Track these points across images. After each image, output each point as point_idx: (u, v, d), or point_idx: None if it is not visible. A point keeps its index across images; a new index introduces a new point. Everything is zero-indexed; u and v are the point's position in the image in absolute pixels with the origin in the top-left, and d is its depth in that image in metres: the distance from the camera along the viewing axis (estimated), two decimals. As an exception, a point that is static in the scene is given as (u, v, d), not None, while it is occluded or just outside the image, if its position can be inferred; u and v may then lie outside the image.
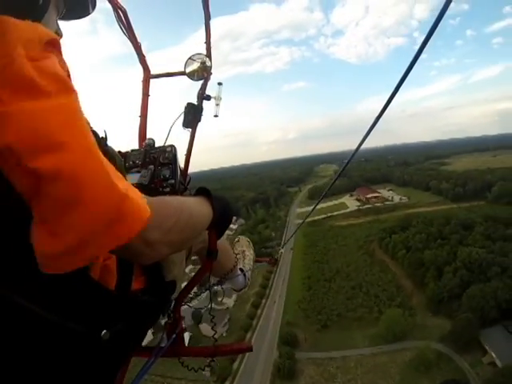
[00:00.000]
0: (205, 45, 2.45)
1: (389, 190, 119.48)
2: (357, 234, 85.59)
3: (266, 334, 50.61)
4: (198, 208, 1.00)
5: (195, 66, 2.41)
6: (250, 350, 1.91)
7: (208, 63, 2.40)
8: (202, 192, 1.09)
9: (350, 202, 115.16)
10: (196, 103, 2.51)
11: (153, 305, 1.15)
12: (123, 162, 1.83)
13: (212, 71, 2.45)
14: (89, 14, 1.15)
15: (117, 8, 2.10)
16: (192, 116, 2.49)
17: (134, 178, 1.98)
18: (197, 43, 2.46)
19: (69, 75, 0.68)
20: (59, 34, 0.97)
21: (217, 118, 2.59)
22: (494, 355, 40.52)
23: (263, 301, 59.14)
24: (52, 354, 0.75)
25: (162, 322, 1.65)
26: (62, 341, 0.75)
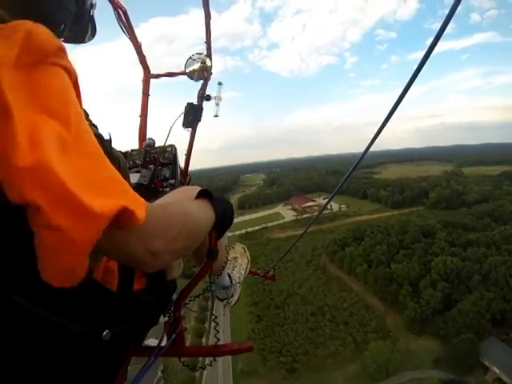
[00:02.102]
0: (205, 45, 2.53)
1: (324, 199, 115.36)
2: (301, 247, 76.53)
3: (216, 393, 38.18)
4: (200, 214, 1.04)
5: (195, 66, 2.53)
6: (251, 349, 1.92)
7: (208, 63, 2.53)
8: (204, 194, 1.14)
9: (286, 212, 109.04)
10: (196, 103, 2.65)
11: (154, 305, 1.20)
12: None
13: (212, 71, 2.59)
14: (84, 42, 1.33)
15: (117, 8, 2.19)
16: (192, 116, 2.63)
17: (134, 177, 2.13)
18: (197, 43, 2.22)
19: (77, 81, 0.73)
20: None
21: (217, 117, 2.74)
22: (497, 371, 38.41)
23: (203, 340, 45.24)
24: (53, 355, 0.78)
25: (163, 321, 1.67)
26: (63, 342, 0.78)
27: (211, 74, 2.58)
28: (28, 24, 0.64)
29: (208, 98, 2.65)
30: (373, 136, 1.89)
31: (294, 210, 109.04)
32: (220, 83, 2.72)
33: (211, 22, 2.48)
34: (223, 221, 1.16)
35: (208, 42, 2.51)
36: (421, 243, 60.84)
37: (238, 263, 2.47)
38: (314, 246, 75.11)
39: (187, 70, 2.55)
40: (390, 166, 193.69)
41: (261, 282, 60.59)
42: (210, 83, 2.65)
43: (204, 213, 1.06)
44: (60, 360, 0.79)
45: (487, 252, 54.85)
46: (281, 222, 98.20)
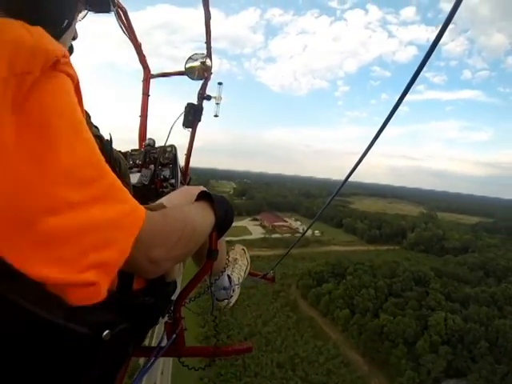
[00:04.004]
0: (205, 44, 2.53)
1: (296, 221, 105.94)
2: (267, 272, 64.70)
3: None
4: (201, 218, 1.06)
5: (195, 65, 2.53)
6: (250, 350, 1.95)
7: (208, 63, 2.52)
8: (204, 196, 1.16)
9: (253, 228, 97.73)
10: (196, 103, 2.66)
11: (154, 305, 1.19)
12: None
13: (212, 71, 2.59)
14: (110, 10, 1.26)
15: (117, 8, 2.16)
16: (192, 116, 2.63)
17: (135, 177, 2.16)
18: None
19: (78, 85, 0.73)
20: (75, 36, 1.01)
21: (217, 117, 2.77)
22: None
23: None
24: (53, 355, 0.78)
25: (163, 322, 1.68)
26: (63, 342, 0.78)
27: (211, 73, 2.59)
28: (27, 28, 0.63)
29: (208, 97, 2.66)
30: (352, 167, 1.93)
31: (263, 226, 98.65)
32: (220, 83, 2.74)
33: (211, 22, 2.47)
34: (224, 222, 1.18)
35: (208, 42, 2.51)
36: (413, 292, 51.28)
37: (237, 264, 2.39)
38: (284, 274, 63.86)
39: (187, 70, 2.54)
40: (363, 198, 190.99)
41: (217, 309, 48.63)
42: (209, 83, 2.67)
43: (204, 216, 1.07)
44: (60, 360, 0.79)
45: (489, 312, 46.12)
46: (247, 237, 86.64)
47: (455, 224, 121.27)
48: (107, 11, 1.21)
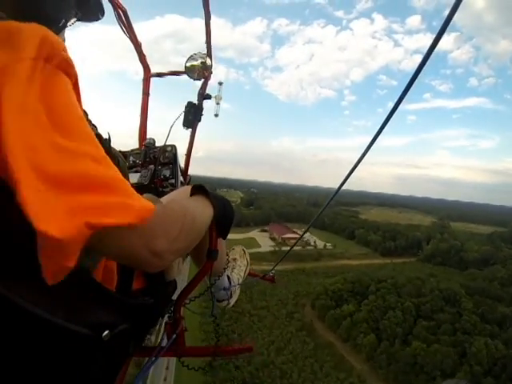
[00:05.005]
0: (205, 44, 2.51)
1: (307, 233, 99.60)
2: (279, 289, 58.64)
3: None
4: (199, 210, 1.03)
5: (195, 64, 2.50)
6: (251, 350, 1.95)
7: (208, 62, 2.50)
8: (199, 190, 1.13)
9: (262, 240, 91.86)
10: (196, 103, 2.62)
11: (153, 305, 1.17)
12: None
13: (212, 70, 2.56)
14: (98, 19, 1.30)
15: (117, 8, 2.17)
16: (192, 115, 2.59)
17: (134, 177, 2.15)
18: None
19: (77, 82, 0.73)
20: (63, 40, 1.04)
21: (217, 117, 2.75)
22: None
23: None
24: (52, 356, 0.77)
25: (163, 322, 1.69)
26: (63, 342, 0.77)
27: (211, 73, 2.57)
28: (34, 26, 0.65)
29: (208, 97, 2.64)
30: (348, 171, 1.96)
31: (273, 239, 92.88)
32: (220, 83, 2.74)
33: (211, 22, 2.47)
34: (223, 217, 1.13)
35: (208, 42, 2.49)
36: (444, 313, 45.13)
37: (237, 264, 2.34)
38: (297, 292, 58.29)
39: (187, 70, 2.52)
40: (370, 207, 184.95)
41: (224, 332, 42.46)
42: (210, 83, 2.65)
43: (202, 207, 1.05)
44: (59, 361, 0.78)
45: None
46: (256, 250, 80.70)
47: (470, 234, 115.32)
48: (95, 20, 1.22)
